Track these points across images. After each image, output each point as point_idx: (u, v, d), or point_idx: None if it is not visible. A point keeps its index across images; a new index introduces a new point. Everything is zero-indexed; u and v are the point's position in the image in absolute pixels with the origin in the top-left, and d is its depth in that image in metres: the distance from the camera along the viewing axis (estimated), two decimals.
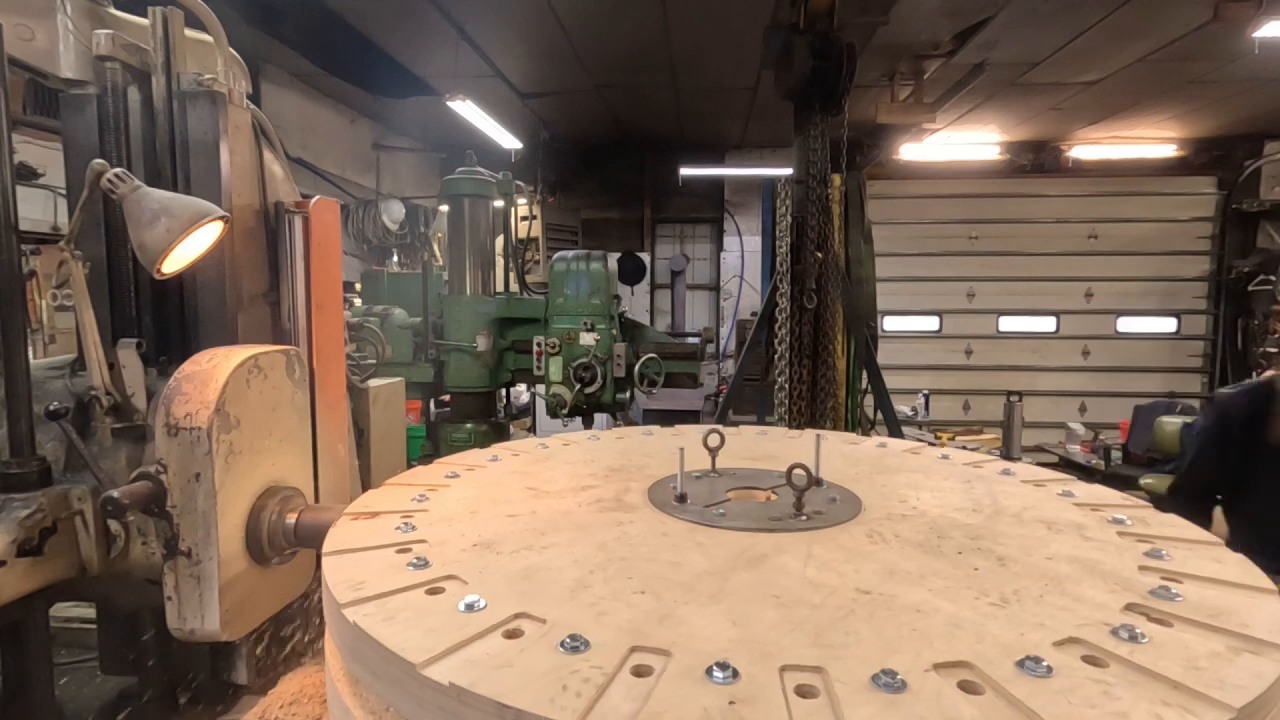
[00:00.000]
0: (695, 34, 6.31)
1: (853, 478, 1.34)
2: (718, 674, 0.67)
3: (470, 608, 0.81)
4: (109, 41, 1.86)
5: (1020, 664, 0.68)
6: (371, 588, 0.89)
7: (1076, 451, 8.88)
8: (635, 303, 10.31)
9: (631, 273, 10.25)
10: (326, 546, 1.05)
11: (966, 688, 0.65)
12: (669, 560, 0.97)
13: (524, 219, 6.81)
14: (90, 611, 2.39)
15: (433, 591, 0.87)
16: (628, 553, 1.00)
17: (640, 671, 0.70)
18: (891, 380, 5.05)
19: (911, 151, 9.16)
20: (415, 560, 0.96)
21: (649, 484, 1.29)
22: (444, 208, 5.96)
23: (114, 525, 1.77)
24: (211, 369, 1.46)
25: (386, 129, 9.39)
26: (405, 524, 1.11)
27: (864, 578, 0.89)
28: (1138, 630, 0.74)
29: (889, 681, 0.65)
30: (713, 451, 1.36)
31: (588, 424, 4.88)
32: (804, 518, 1.09)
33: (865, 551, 0.98)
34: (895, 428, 4.52)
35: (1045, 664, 0.68)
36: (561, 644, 0.73)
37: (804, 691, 0.66)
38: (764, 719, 0.62)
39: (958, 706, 0.62)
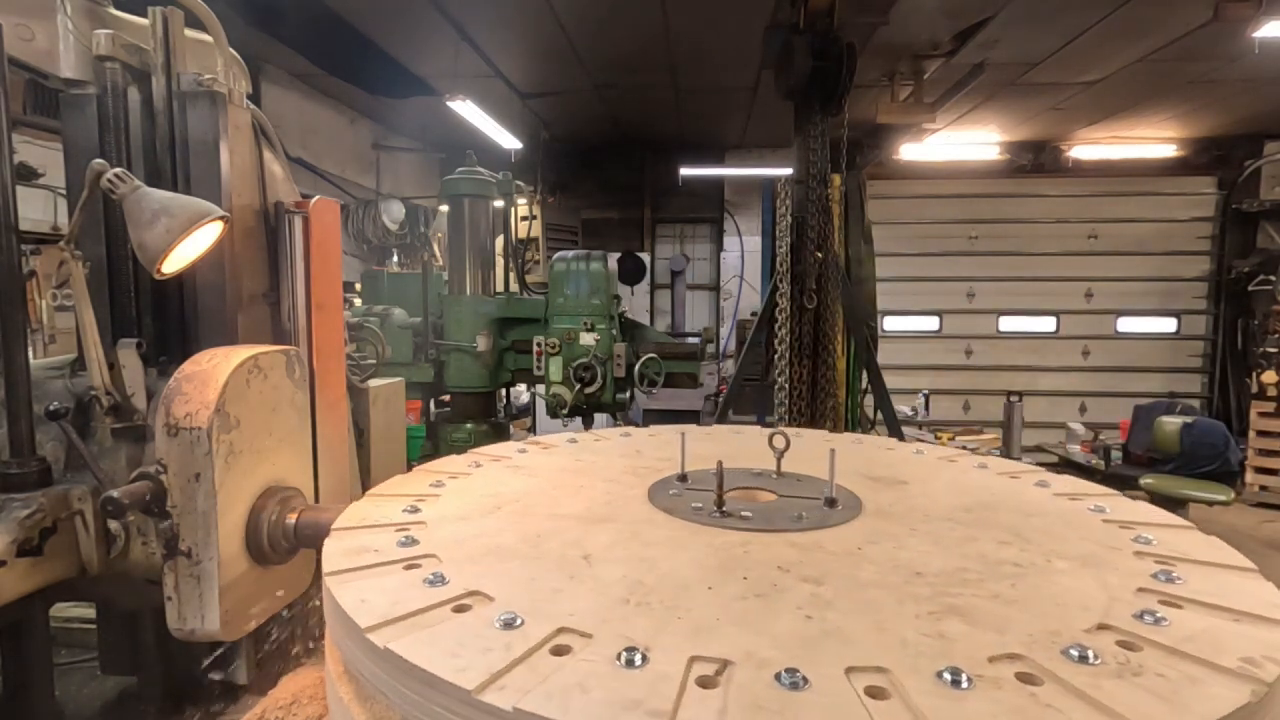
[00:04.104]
0: (695, 34, 6.31)
1: (924, 513, 1.24)
2: (428, 577, 0.95)
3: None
4: (109, 41, 1.86)
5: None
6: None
7: (1076, 451, 8.88)
8: (635, 303, 10.30)
9: (631, 273, 10.25)
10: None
11: (504, 624, 0.83)
12: (572, 499, 1.31)
13: (524, 219, 6.81)
14: (90, 611, 2.39)
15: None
16: (557, 492, 1.36)
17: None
18: (891, 380, 5.05)
19: (911, 151, 9.16)
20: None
21: (689, 469, 1.44)
22: (444, 208, 5.95)
23: (114, 525, 1.77)
24: (211, 369, 1.46)
25: (386, 129, 9.38)
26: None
27: (614, 563, 1.02)
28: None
29: (509, 620, 0.83)
30: (779, 453, 1.40)
31: (587, 424, 4.87)
32: (717, 514, 1.20)
33: (682, 545, 1.10)
34: (895, 428, 4.52)
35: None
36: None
37: (434, 578, 0.94)
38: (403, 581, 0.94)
39: (496, 634, 0.81)
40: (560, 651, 0.77)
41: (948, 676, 0.71)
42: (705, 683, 0.72)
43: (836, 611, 0.87)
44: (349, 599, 0.90)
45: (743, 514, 1.20)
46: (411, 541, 1.09)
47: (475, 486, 1.40)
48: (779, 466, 1.41)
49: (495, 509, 1.26)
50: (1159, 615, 0.84)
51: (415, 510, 1.24)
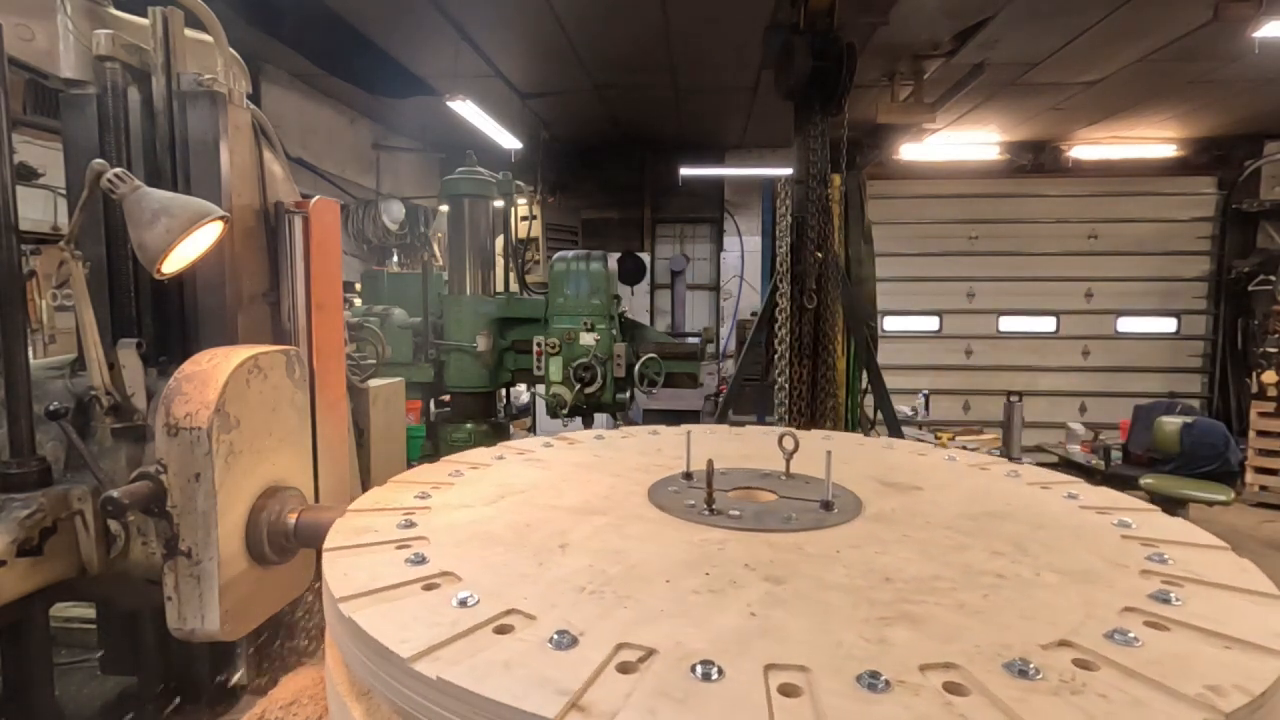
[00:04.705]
0: (695, 34, 6.31)
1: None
2: (410, 556, 1.03)
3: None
4: (109, 41, 1.86)
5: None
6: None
7: (1076, 451, 8.88)
8: (635, 303, 10.30)
9: (631, 273, 10.24)
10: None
11: (460, 602, 0.89)
12: (575, 492, 1.36)
13: (524, 219, 6.81)
14: (90, 611, 2.39)
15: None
16: (564, 485, 1.42)
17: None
18: (891, 380, 5.05)
19: (911, 151, 9.16)
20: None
21: (695, 465, 1.46)
22: (444, 208, 5.95)
23: (114, 525, 1.77)
24: (211, 369, 1.46)
25: (386, 129, 9.38)
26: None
27: (586, 553, 1.07)
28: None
29: (465, 599, 0.89)
30: (788, 455, 1.41)
31: (587, 424, 4.87)
32: (706, 512, 1.22)
33: (659, 540, 1.13)
34: (895, 428, 4.52)
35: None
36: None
37: (415, 558, 1.02)
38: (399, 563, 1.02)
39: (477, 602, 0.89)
40: (503, 631, 0.82)
41: (867, 680, 0.71)
42: (625, 668, 0.74)
43: (785, 610, 0.87)
44: (335, 572, 0.99)
45: (731, 512, 1.21)
46: (410, 524, 1.16)
47: (490, 477, 1.45)
48: (788, 468, 1.41)
49: (499, 498, 1.30)
50: (1133, 636, 0.79)
51: (426, 496, 1.31)
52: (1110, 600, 0.90)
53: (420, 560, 1.01)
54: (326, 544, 1.09)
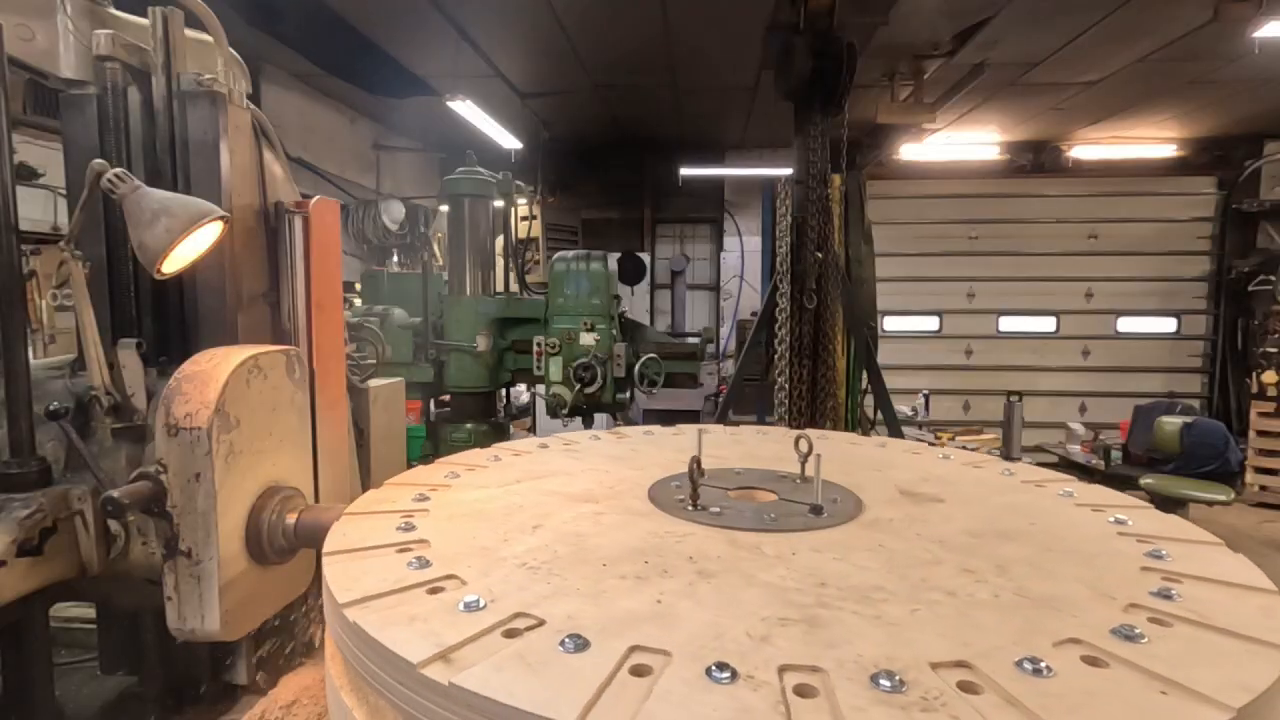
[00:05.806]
0: (695, 34, 6.31)
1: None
2: (400, 525, 1.16)
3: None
4: (109, 41, 1.86)
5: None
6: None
7: (1076, 451, 8.88)
8: (635, 303, 10.29)
9: (631, 273, 10.24)
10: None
11: (412, 565, 0.99)
12: (585, 482, 1.42)
13: (524, 219, 6.80)
14: (90, 611, 2.39)
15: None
16: (582, 475, 1.47)
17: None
18: (891, 380, 5.04)
19: (911, 151, 9.15)
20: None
21: (720, 463, 1.53)
22: (444, 208, 5.95)
23: (114, 525, 1.77)
24: (211, 369, 1.46)
25: (386, 129, 9.38)
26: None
27: (551, 534, 1.12)
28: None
29: (416, 563, 0.99)
30: (803, 457, 1.40)
31: (587, 424, 4.87)
32: (689, 507, 1.25)
33: (626, 528, 1.17)
34: (895, 428, 4.52)
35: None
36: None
37: (405, 525, 1.15)
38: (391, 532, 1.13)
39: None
40: (434, 591, 0.91)
41: (716, 671, 0.72)
42: (510, 634, 0.80)
43: (692, 601, 0.88)
44: (335, 533, 1.11)
45: (713, 509, 1.22)
46: (423, 499, 1.26)
47: (519, 464, 1.53)
48: (803, 470, 1.40)
49: (515, 482, 1.37)
50: (1045, 665, 0.73)
51: (455, 476, 1.41)
52: (1060, 629, 0.82)
53: (408, 528, 1.11)
54: (349, 508, 1.20)
